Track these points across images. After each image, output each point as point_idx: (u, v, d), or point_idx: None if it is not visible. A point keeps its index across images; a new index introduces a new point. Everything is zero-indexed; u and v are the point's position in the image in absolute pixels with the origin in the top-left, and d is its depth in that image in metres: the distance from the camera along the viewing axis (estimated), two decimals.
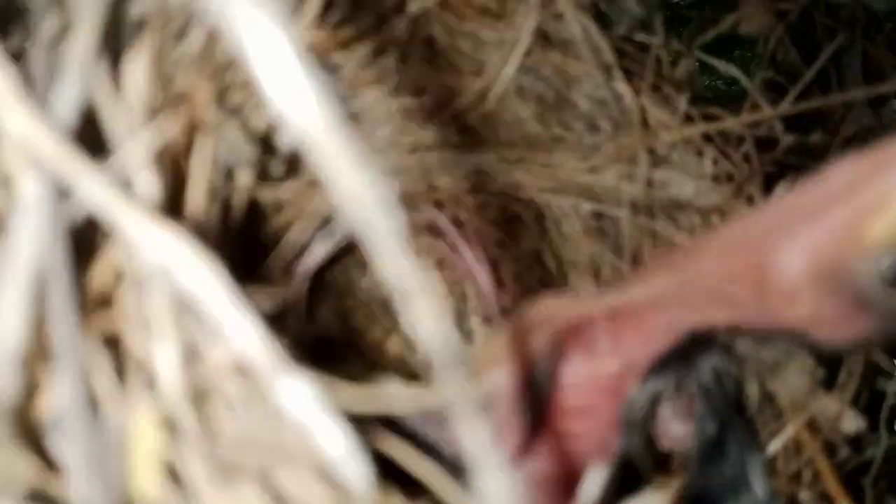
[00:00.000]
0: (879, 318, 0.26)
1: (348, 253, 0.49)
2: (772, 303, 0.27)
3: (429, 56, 0.45)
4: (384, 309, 0.52)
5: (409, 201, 0.52)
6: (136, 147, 0.21)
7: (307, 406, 0.21)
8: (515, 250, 0.57)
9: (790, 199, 0.28)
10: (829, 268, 0.26)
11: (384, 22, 0.40)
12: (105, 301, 0.21)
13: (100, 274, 0.21)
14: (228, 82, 0.29)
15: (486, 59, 0.46)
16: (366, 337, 0.49)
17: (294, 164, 0.34)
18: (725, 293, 0.29)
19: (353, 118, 0.44)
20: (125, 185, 0.21)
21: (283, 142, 0.30)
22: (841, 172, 0.26)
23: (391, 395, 0.22)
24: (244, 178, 0.30)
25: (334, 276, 0.48)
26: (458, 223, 0.55)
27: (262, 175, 0.32)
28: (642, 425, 0.33)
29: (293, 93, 0.16)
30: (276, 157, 0.31)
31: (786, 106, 0.52)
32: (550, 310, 0.35)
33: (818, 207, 0.26)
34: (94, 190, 0.19)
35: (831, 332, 0.27)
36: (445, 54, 0.45)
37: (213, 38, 0.28)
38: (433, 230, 0.56)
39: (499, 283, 0.57)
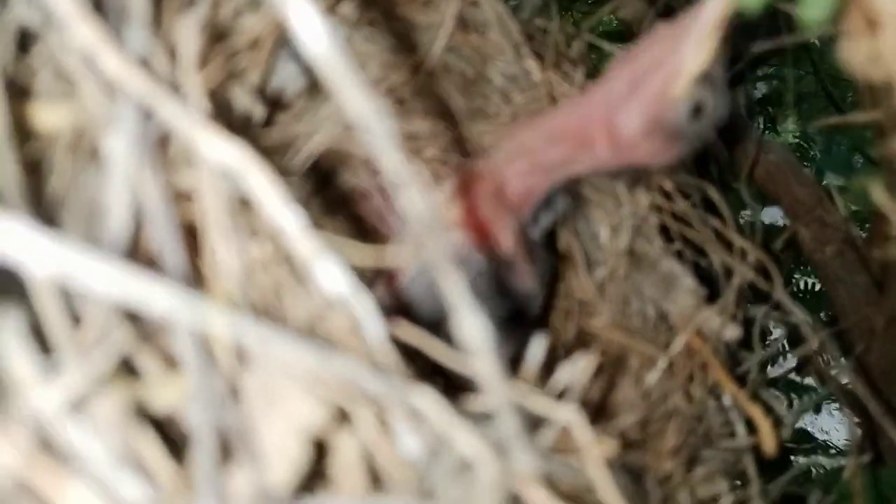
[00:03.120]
0: (687, 140, 0.43)
1: None
2: (622, 152, 0.44)
3: (370, 36, 0.52)
4: None
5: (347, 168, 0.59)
6: (192, 87, 0.27)
7: (338, 278, 0.27)
8: None
9: (616, 77, 0.44)
10: (654, 120, 0.42)
11: (336, 4, 0.47)
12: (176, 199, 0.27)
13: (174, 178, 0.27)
14: (228, 47, 0.35)
15: (417, 40, 0.54)
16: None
17: (273, 114, 0.41)
18: (587, 151, 0.45)
19: None
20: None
21: (272, 87, 0.37)
22: (646, 53, 0.42)
23: (391, 253, 0.29)
24: (241, 126, 0.36)
25: None
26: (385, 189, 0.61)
27: (248, 122, 0.38)
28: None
29: (319, 39, 0.23)
30: (261, 107, 0.37)
31: None
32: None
33: (638, 79, 0.42)
34: (173, 111, 0.25)
35: (661, 158, 0.44)
36: (384, 34, 0.52)
37: (215, 7, 0.35)
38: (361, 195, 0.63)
39: None
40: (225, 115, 0.35)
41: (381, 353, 0.28)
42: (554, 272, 0.60)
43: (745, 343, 0.65)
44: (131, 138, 0.25)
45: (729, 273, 0.64)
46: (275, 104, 0.43)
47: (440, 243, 0.25)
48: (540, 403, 0.31)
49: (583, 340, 0.60)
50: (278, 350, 0.23)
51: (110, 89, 0.26)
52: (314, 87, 0.45)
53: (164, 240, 0.25)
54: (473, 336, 0.26)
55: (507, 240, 0.48)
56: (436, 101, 0.58)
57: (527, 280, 0.50)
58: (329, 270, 0.27)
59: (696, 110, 0.41)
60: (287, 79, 0.42)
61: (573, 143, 0.45)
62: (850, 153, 0.96)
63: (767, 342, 0.83)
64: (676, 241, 0.64)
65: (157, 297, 0.21)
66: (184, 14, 0.28)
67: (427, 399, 0.26)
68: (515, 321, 0.51)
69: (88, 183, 0.26)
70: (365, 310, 0.28)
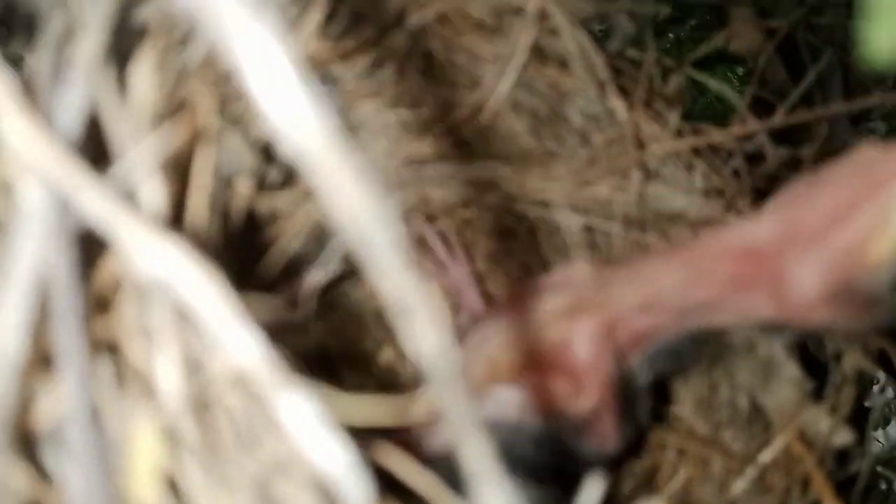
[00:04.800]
0: (884, 311, 0.31)
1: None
2: (790, 311, 0.32)
3: (426, 69, 0.45)
4: (376, 320, 0.52)
5: (400, 214, 0.52)
6: (141, 155, 0.21)
7: (306, 421, 0.20)
8: (506, 264, 0.57)
9: (790, 211, 0.32)
10: (840, 285, 0.30)
11: (384, 35, 0.40)
12: (104, 308, 0.21)
13: (100, 281, 0.21)
14: (231, 91, 0.29)
15: (481, 74, 0.47)
16: (357, 348, 0.49)
17: (292, 173, 0.34)
18: (739, 299, 0.34)
19: (350, 130, 0.44)
20: (129, 195, 0.21)
21: (282, 151, 0.30)
22: (834, 191, 0.31)
23: (390, 407, 0.22)
24: (244, 188, 0.30)
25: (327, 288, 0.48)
26: (449, 237, 0.54)
27: (260, 184, 0.32)
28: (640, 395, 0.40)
29: (289, 105, 0.16)
30: (275, 166, 0.31)
31: (772, 120, 0.53)
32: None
33: (821, 225, 0.30)
34: (94, 202, 0.19)
35: (845, 326, 0.33)
36: (442, 68, 0.45)
37: (215, 47, 0.28)
38: (421, 244, 0.56)
39: (486, 297, 0.56)
40: (221, 175, 0.28)
41: None
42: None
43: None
44: (39, 231, 0.19)
45: (839, 359, 0.54)
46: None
47: (460, 396, 0.18)
48: None
49: (657, 433, 0.50)
50: None
51: (27, 166, 0.20)
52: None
53: (69, 371, 0.19)
54: None
55: (592, 394, 0.37)
56: (501, 143, 0.51)
57: (608, 442, 0.38)
58: (296, 411, 0.20)
59: None
60: None
61: (721, 287, 0.34)
62: None
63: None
64: None
65: None
66: (141, 56, 0.22)
67: None
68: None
69: None
70: (341, 464, 0.21)
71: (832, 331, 0.36)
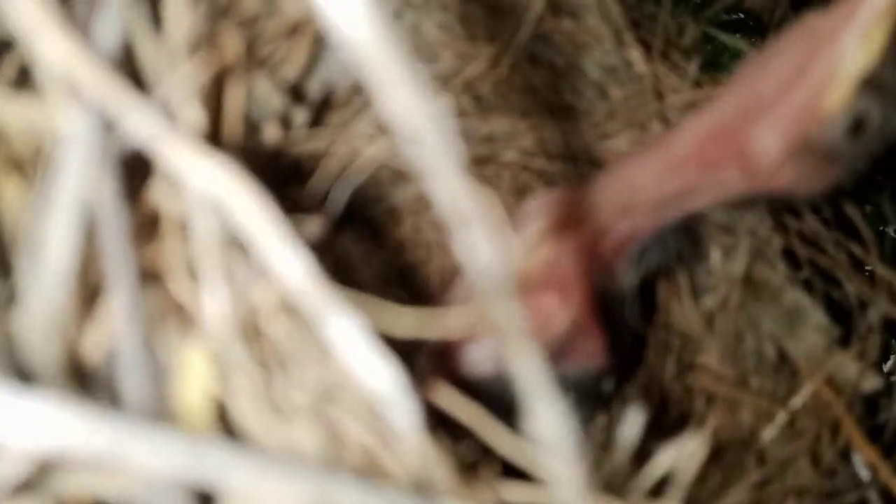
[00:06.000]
0: (846, 163, 0.34)
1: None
2: (759, 179, 0.34)
3: (443, 23, 0.44)
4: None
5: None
6: (179, 81, 0.21)
7: (354, 343, 0.20)
8: None
9: (747, 86, 0.34)
10: (800, 141, 0.33)
11: None
12: (150, 237, 0.21)
13: (143, 213, 0.21)
14: (256, 34, 0.29)
15: (499, 26, 0.46)
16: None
17: (320, 114, 0.34)
18: (712, 178, 0.36)
19: None
20: (170, 118, 0.21)
21: (314, 89, 0.30)
22: (789, 52, 0.33)
23: (434, 319, 0.22)
24: (272, 131, 0.30)
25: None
26: None
27: (287, 125, 0.31)
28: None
29: (356, 20, 0.16)
30: (303, 107, 0.31)
31: None
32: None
33: (776, 92, 0.33)
34: (140, 121, 0.19)
35: (810, 186, 0.35)
36: (460, 21, 0.45)
37: None
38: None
39: None
40: (247, 119, 0.28)
41: (410, 451, 0.20)
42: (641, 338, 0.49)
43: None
44: (85, 154, 0.19)
45: (866, 307, 0.53)
46: (323, 102, 0.36)
47: (513, 310, 0.18)
48: None
49: (684, 382, 0.50)
50: (267, 485, 0.16)
51: (70, 90, 0.20)
52: None
53: (122, 296, 0.19)
54: (549, 432, 0.19)
55: (574, 308, 0.37)
56: (519, 97, 0.50)
57: (595, 356, 0.38)
58: (344, 332, 0.20)
59: (857, 125, 0.32)
60: (337, 71, 0.35)
61: (693, 171, 0.36)
62: None
63: None
64: (805, 268, 0.53)
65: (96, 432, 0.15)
66: None
67: None
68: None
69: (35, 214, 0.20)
70: (392, 390, 0.21)
71: (798, 195, 0.37)
